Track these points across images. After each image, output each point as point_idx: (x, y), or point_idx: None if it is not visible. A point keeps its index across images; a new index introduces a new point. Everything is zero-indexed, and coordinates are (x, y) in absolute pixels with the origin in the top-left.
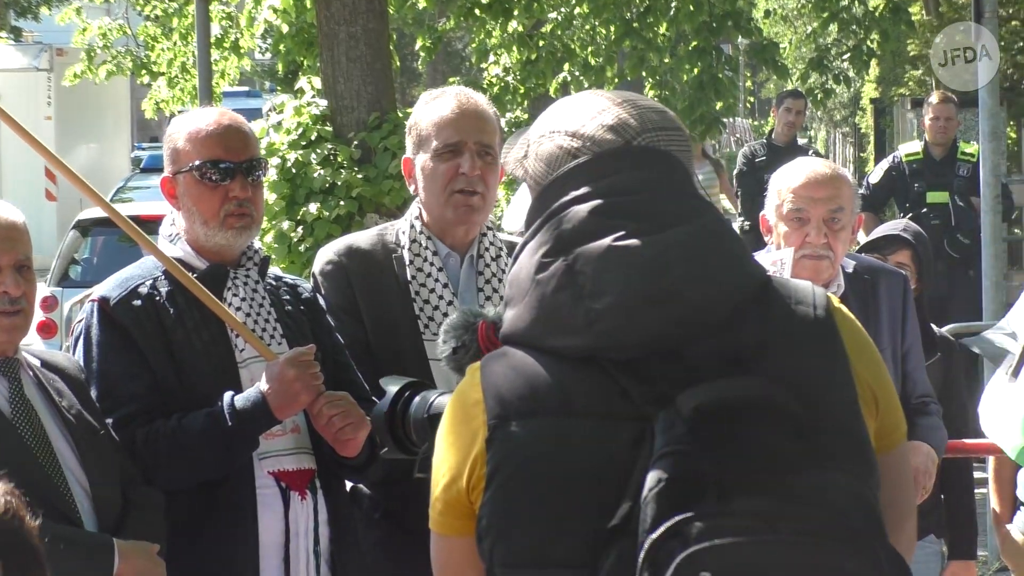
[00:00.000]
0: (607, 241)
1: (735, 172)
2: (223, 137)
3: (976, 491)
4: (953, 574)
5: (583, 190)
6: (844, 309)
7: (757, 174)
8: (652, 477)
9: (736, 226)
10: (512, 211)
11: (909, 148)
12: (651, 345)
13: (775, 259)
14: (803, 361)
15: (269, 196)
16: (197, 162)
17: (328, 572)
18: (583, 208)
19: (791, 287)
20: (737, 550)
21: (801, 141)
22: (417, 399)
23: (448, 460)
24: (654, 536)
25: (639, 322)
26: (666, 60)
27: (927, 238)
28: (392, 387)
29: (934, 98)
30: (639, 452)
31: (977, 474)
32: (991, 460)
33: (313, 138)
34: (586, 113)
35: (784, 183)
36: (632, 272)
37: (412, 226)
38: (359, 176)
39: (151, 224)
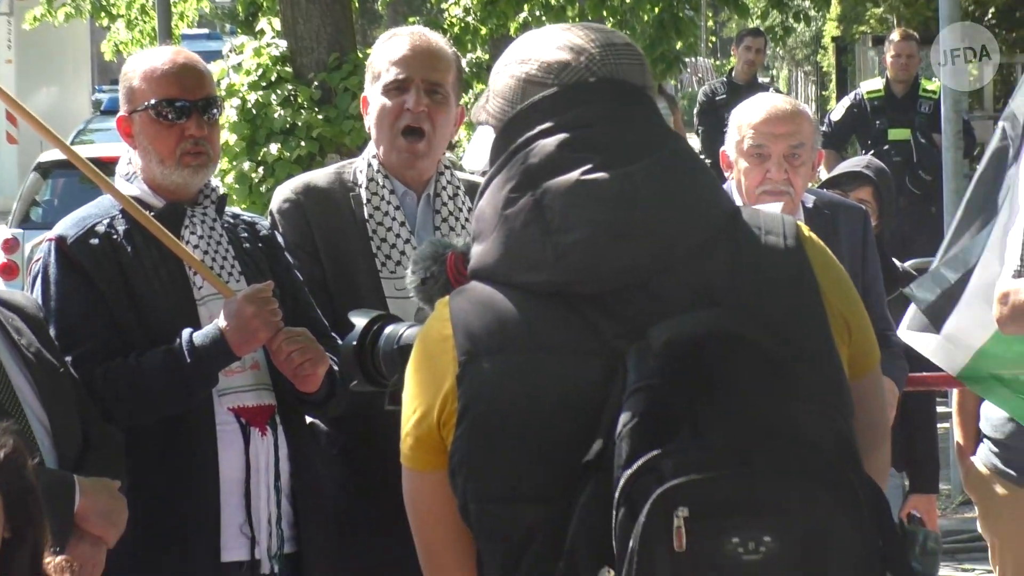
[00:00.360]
0: (575, 175)
1: (696, 110)
2: (178, 75)
3: (938, 425)
4: (914, 506)
5: (548, 123)
6: (814, 237)
7: (718, 112)
8: (626, 412)
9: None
10: (472, 150)
11: (871, 85)
12: (620, 279)
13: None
14: (774, 292)
15: (230, 137)
16: (152, 100)
17: (288, 507)
18: (550, 142)
19: (761, 217)
20: (712, 485)
21: (762, 80)
22: (387, 331)
23: (418, 396)
24: (629, 472)
25: (608, 256)
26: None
27: (890, 175)
28: (361, 320)
29: (895, 35)
30: (610, 387)
31: (939, 408)
32: (954, 393)
33: (273, 79)
34: (535, 41)
35: (744, 119)
36: (600, 206)
37: (369, 164)
38: (319, 117)
39: (112, 166)
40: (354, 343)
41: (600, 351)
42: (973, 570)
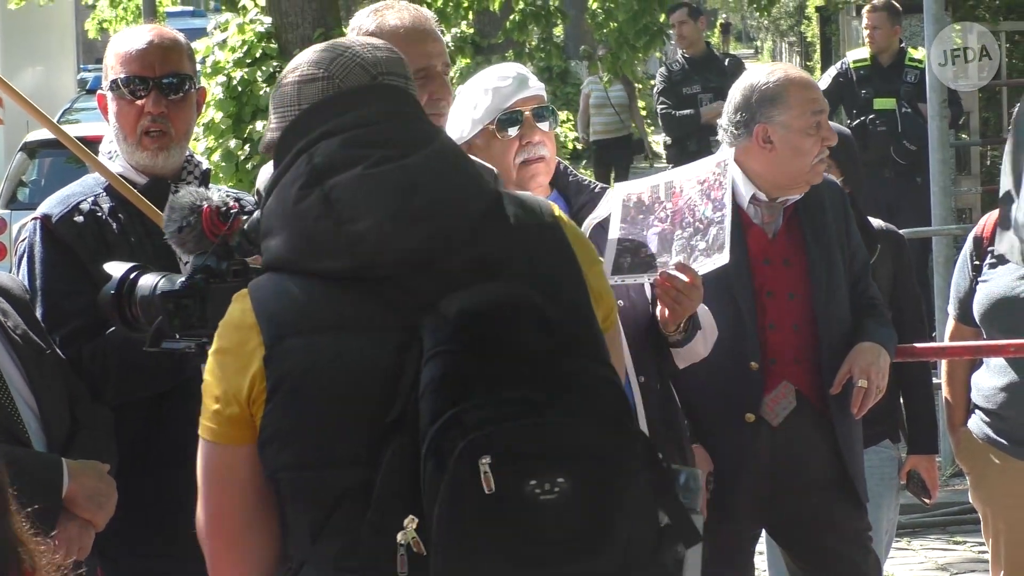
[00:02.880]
0: (358, 169)
1: (655, 90)
2: (143, 53)
3: None
4: (914, 466)
5: (329, 124)
6: (565, 217)
7: (676, 88)
8: (426, 375)
9: (660, 141)
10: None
11: (857, 55)
12: (409, 260)
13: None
14: (543, 264)
15: (216, 115)
16: (113, 78)
17: None
18: (332, 141)
19: (521, 199)
20: (511, 433)
21: (723, 52)
22: (141, 281)
23: (225, 380)
24: (435, 427)
25: (396, 240)
26: None
27: (849, 136)
28: (118, 269)
29: (867, 7)
30: (407, 355)
31: None
32: (943, 364)
33: (258, 56)
34: (302, 54)
35: (789, 92)
36: (384, 195)
37: None
38: None
39: (97, 145)
40: (112, 291)
41: (396, 325)
42: (964, 542)
